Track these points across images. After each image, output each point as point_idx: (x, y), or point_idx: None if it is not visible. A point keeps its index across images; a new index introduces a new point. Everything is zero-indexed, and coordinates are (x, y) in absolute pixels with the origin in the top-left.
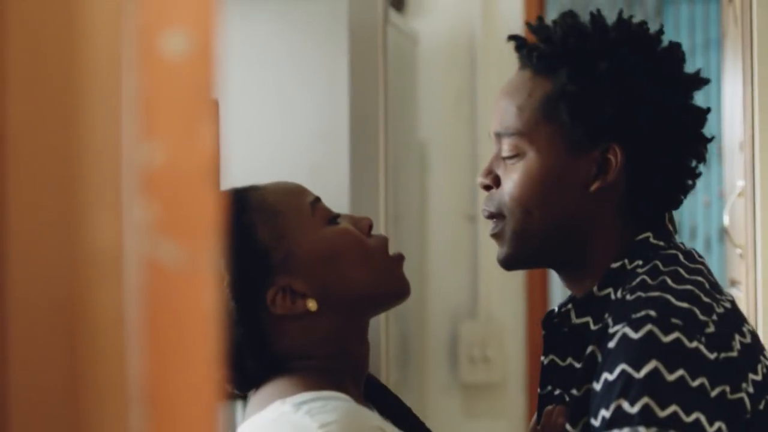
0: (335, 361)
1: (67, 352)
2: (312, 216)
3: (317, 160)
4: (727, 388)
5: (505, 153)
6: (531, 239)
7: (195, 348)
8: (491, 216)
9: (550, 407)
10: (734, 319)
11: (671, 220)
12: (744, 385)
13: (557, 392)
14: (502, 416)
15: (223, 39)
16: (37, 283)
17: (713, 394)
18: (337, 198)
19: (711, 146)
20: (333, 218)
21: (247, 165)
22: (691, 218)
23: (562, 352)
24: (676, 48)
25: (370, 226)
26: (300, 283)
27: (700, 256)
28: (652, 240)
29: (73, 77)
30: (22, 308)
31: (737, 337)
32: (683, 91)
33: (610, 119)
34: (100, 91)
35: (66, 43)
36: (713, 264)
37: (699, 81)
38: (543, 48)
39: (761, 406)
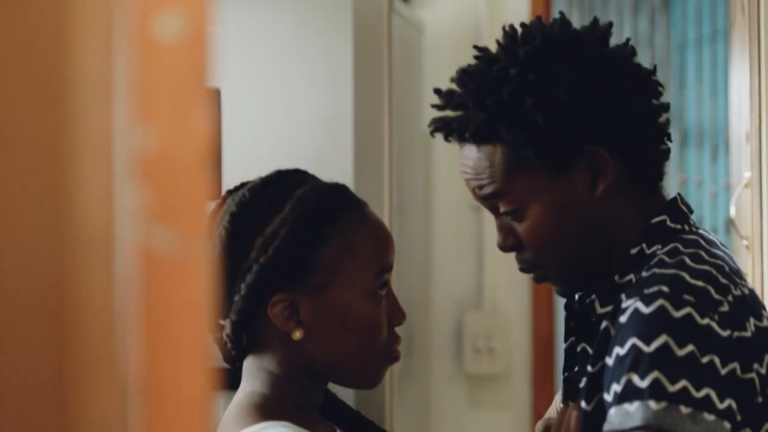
0: (287, 386)
1: (55, 339)
2: (372, 282)
3: (321, 150)
4: (738, 367)
5: (506, 212)
6: (574, 267)
7: (186, 336)
8: (529, 270)
9: (564, 406)
10: (752, 304)
11: (684, 202)
12: (756, 365)
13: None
14: (506, 407)
15: (217, 22)
16: (26, 268)
17: (724, 371)
18: None
19: (718, 138)
20: (381, 288)
21: (251, 154)
22: (697, 210)
23: (590, 341)
24: (565, 28)
25: (400, 323)
26: (307, 311)
27: (723, 245)
28: (669, 223)
29: (65, 60)
30: (9, 294)
31: (752, 320)
32: (602, 58)
33: (571, 136)
34: (92, 75)
35: (57, 25)
36: None
37: (604, 34)
38: (470, 126)
39: None
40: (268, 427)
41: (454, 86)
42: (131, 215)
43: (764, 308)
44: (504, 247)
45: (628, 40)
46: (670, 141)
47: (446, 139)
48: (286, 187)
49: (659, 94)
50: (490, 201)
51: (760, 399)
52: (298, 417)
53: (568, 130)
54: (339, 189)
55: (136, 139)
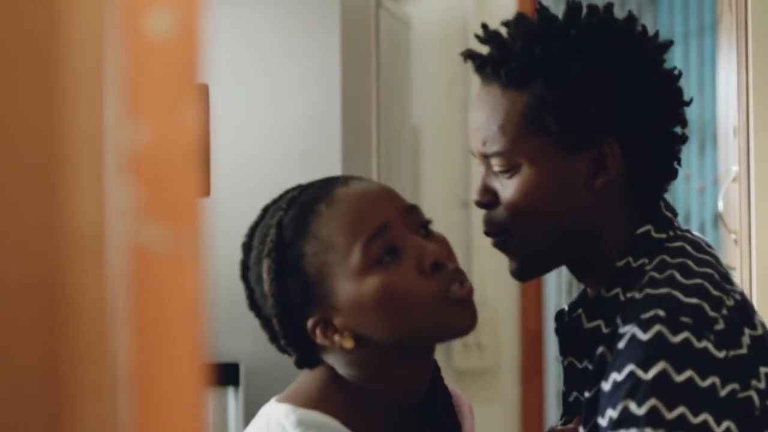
0: (368, 383)
1: (47, 336)
2: (361, 258)
3: (309, 145)
4: (737, 387)
5: (497, 169)
6: (540, 249)
7: (180, 332)
8: (494, 234)
9: (553, 427)
10: (744, 311)
11: (668, 207)
12: (754, 382)
13: (575, 397)
14: (495, 402)
15: (208, 18)
16: (17, 265)
17: (722, 393)
18: None
19: (705, 132)
20: (382, 250)
21: (239, 150)
22: (685, 204)
23: (578, 355)
24: (633, 21)
25: (436, 263)
26: (339, 319)
27: (709, 246)
28: (653, 234)
29: (55, 56)
30: (0, 291)
31: (747, 331)
32: (657, 68)
33: (599, 116)
34: (83, 71)
35: (47, 21)
36: None
37: (663, 46)
38: (510, 64)
39: None
40: (318, 426)
41: (500, 28)
42: (123, 211)
43: (755, 312)
44: (480, 202)
45: (674, 68)
46: (680, 165)
47: (477, 70)
48: (259, 234)
49: (685, 123)
50: (488, 158)
51: (757, 413)
52: (358, 413)
53: (599, 109)
54: (295, 199)
55: (127, 135)
